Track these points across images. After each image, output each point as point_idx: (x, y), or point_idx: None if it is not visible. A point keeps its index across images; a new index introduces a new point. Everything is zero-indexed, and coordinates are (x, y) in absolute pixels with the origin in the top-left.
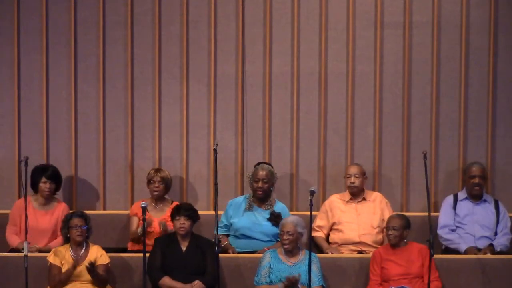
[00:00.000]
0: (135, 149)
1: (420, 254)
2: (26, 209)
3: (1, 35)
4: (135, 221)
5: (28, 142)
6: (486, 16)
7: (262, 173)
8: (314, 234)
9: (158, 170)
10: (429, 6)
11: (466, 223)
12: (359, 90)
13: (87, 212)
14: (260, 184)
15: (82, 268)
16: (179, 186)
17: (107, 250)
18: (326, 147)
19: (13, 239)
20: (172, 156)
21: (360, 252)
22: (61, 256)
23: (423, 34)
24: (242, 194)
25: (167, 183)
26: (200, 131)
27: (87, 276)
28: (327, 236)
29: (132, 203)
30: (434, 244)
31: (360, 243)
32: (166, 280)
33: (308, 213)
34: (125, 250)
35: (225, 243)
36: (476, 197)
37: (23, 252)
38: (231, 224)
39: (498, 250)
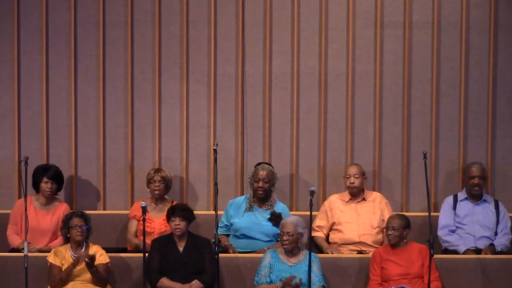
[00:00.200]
0: (135, 149)
1: (420, 254)
2: (26, 209)
3: (1, 35)
4: (133, 224)
5: (28, 142)
6: (486, 16)
7: (262, 173)
8: (314, 234)
9: (158, 170)
10: (429, 6)
11: (466, 224)
12: (359, 90)
13: (87, 212)
14: (260, 184)
15: (82, 268)
16: (179, 186)
17: (107, 250)
18: (326, 147)
19: (14, 239)
20: (172, 156)
21: (360, 252)
22: (61, 256)
23: (423, 34)
24: (242, 194)
25: (167, 183)
26: (200, 131)
27: (87, 276)
28: (327, 236)
29: (132, 203)
30: (434, 244)
31: (360, 243)
32: (164, 281)
33: (308, 213)
34: (125, 250)
35: (226, 243)
36: (476, 197)
37: (23, 252)
38: (231, 224)
39: (499, 250)
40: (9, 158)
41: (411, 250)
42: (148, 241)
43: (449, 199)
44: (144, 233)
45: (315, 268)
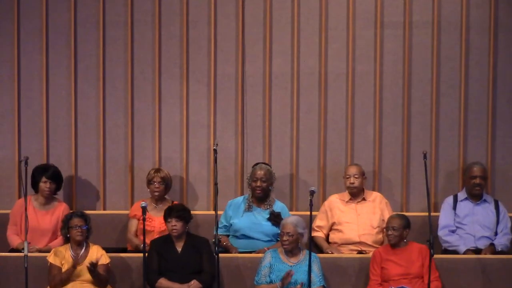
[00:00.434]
0: (135, 149)
1: (420, 254)
2: (26, 209)
3: (1, 35)
4: (133, 224)
5: (28, 142)
6: (486, 16)
7: (260, 172)
8: (313, 234)
9: (158, 170)
10: (429, 6)
11: (466, 224)
12: (359, 90)
13: (87, 212)
14: (258, 184)
15: (82, 268)
16: (179, 186)
17: (107, 250)
18: (326, 147)
19: (14, 239)
20: (172, 156)
21: (360, 252)
22: (61, 256)
23: (423, 34)
24: (242, 194)
25: (167, 183)
26: (200, 131)
27: (87, 276)
28: (327, 236)
29: (132, 203)
30: (434, 244)
31: (360, 243)
32: (162, 281)
33: (308, 213)
34: (125, 250)
35: (227, 244)
36: (476, 197)
37: (23, 252)
38: (230, 225)
39: (499, 250)
40: (9, 158)
41: (411, 250)
42: (148, 240)
43: (449, 199)
44: (144, 233)
45: (315, 268)
